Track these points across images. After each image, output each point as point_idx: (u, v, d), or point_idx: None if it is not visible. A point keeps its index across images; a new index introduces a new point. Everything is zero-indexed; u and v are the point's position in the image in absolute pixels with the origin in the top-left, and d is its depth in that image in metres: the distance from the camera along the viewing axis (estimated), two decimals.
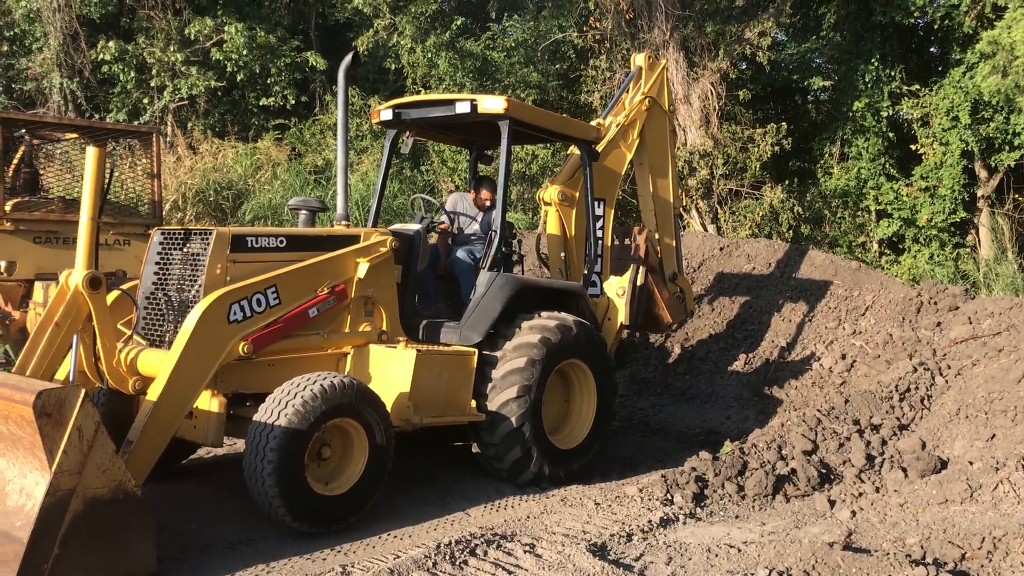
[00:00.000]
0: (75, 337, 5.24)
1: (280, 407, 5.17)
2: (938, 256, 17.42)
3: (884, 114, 18.61)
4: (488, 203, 7.93)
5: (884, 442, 7.25)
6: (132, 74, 17.75)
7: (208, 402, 5.44)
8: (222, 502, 5.94)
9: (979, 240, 18.88)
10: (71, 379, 5.26)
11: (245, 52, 17.66)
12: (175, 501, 5.88)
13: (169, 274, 5.77)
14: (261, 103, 18.37)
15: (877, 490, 6.50)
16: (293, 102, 18.36)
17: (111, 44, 17.39)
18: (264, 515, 5.26)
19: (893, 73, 18.63)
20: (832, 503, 6.32)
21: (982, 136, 17.54)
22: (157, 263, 5.85)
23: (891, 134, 19.00)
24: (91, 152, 5.16)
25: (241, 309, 5.48)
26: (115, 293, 5.75)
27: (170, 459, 5.90)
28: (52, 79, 17.40)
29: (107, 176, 5.50)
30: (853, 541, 5.45)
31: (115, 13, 18.27)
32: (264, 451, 5.09)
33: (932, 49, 21.05)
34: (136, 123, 16.80)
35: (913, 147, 18.54)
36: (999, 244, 17.36)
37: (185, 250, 5.73)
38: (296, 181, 15.39)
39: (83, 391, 4.24)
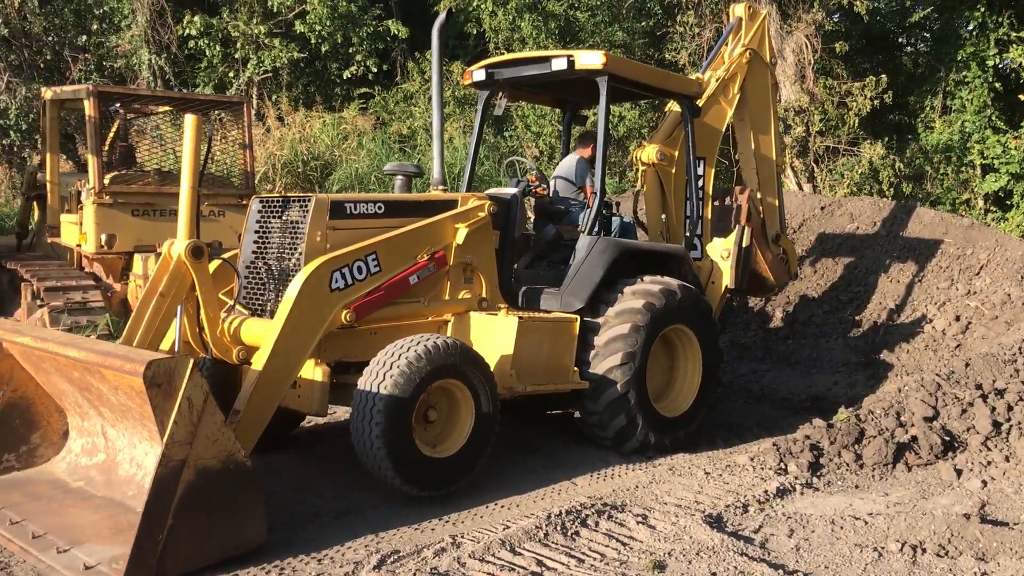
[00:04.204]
0: (179, 307, 5.22)
1: (386, 368, 5.07)
2: None
3: (990, 63, 17.60)
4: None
5: (1010, 407, 6.80)
6: (217, 48, 17.93)
7: (312, 371, 5.37)
8: (327, 472, 5.90)
9: None
10: (176, 349, 5.25)
11: (327, 23, 17.65)
12: (281, 471, 5.85)
13: (269, 243, 5.71)
14: (345, 76, 18.35)
15: (1007, 459, 6.11)
16: (375, 70, 18.30)
17: (196, 19, 17.56)
18: (373, 478, 5.19)
19: (1000, 19, 17.58)
20: (959, 472, 5.97)
21: None
22: (256, 232, 5.79)
23: (997, 84, 17.98)
24: (189, 120, 5.09)
25: (343, 276, 5.38)
26: (216, 262, 5.70)
27: (277, 430, 5.86)
28: (141, 56, 17.66)
29: (205, 146, 5.45)
30: (988, 513, 5.12)
31: None
32: (371, 413, 5.01)
33: None
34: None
35: (1022, 97, 17.53)
36: None
37: (284, 218, 5.65)
38: (382, 150, 15.34)
39: (192, 360, 4.17)
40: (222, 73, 18.20)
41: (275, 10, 17.87)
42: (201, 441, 4.23)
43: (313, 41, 17.96)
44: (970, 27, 17.81)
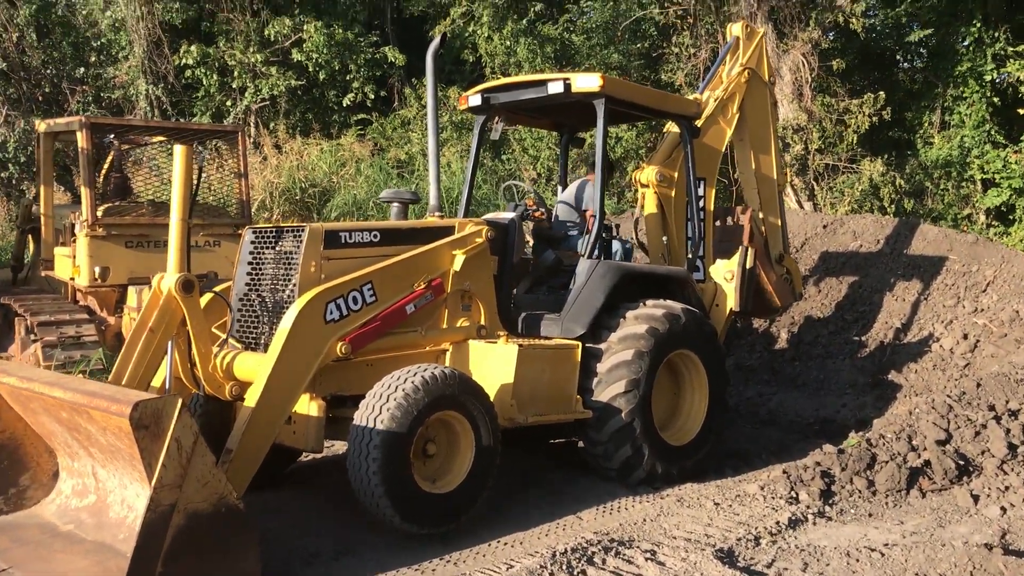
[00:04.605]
0: (170, 343, 5.08)
1: (382, 402, 4.93)
2: None
3: (988, 78, 17.55)
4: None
5: None
6: (214, 77, 17.89)
7: (307, 406, 5.24)
8: (324, 509, 5.73)
9: None
10: (167, 386, 5.10)
11: (324, 50, 17.63)
12: (278, 509, 5.68)
13: (262, 274, 5.58)
14: (344, 103, 18.32)
15: None
16: (372, 97, 18.26)
17: (193, 48, 17.54)
18: (371, 517, 5.02)
19: (997, 34, 17.55)
20: (976, 498, 5.80)
21: None
22: (250, 263, 5.66)
23: (996, 99, 17.92)
24: (178, 151, 4.99)
25: (337, 308, 5.25)
26: (208, 296, 5.58)
27: (273, 466, 5.71)
28: (138, 86, 17.63)
29: (195, 176, 5.33)
30: (1010, 542, 4.95)
31: (196, 18, 18.43)
32: (368, 449, 4.86)
33: None
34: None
35: (1021, 111, 17.46)
36: None
37: (277, 249, 5.53)
38: (380, 176, 15.26)
39: (180, 401, 4.03)
40: (219, 102, 18.15)
41: (272, 39, 17.85)
42: (191, 484, 4.09)
43: (310, 69, 17.94)
44: (966, 42, 17.79)
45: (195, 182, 5.39)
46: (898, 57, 20.43)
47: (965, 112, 17.83)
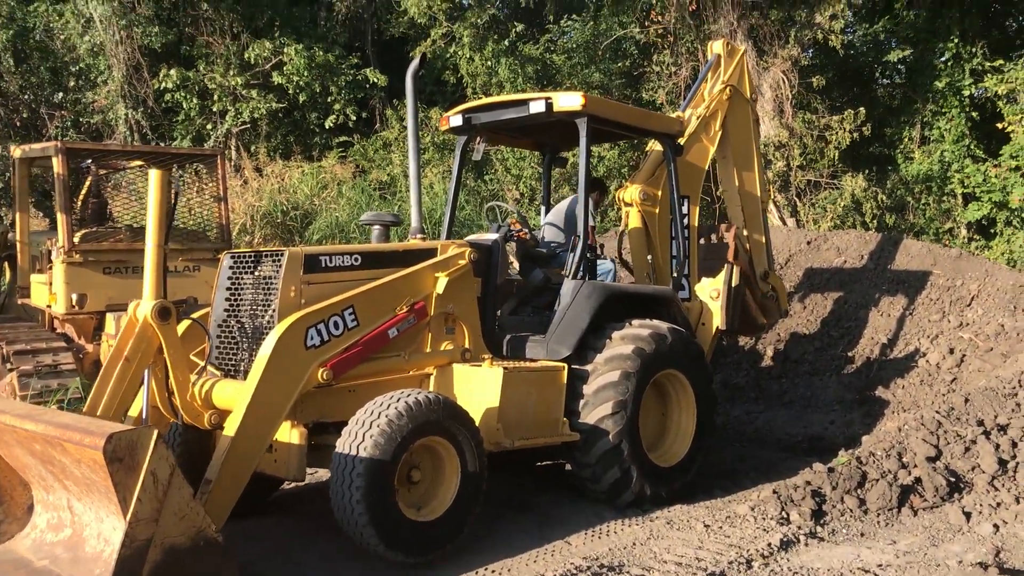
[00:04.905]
0: (147, 371, 4.98)
1: (365, 428, 4.83)
2: None
3: (966, 93, 17.67)
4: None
5: (1015, 444, 6.58)
6: (195, 101, 17.81)
7: (288, 434, 5.12)
8: (308, 538, 5.60)
9: None
10: (144, 416, 4.99)
11: (305, 73, 17.58)
12: (260, 537, 5.55)
13: (241, 299, 5.48)
14: (325, 125, 18.25)
15: (1017, 499, 5.88)
16: (354, 118, 18.22)
17: (172, 72, 17.46)
18: (355, 546, 4.91)
19: (974, 49, 17.68)
20: (968, 515, 5.73)
21: None
22: (228, 288, 5.56)
23: (974, 113, 18.04)
24: (153, 175, 4.89)
25: (318, 333, 5.15)
26: (186, 322, 5.47)
27: (255, 495, 5.59)
28: (117, 110, 17.53)
29: (172, 200, 5.24)
30: (1004, 561, 4.88)
31: (175, 41, 18.37)
32: (351, 477, 4.75)
33: (1012, 22, 20.04)
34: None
35: (1000, 125, 17.57)
36: None
37: (257, 274, 5.43)
38: (362, 198, 15.18)
39: (156, 432, 3.92)
40: (200, 125, 18.07)
41: (252, 62, 17.80)
42: (168, 518, 3.98)
43: (291, 91, 17.89)
44: (945, 58, 17.91)
45: (171, 206, 5.28)
46: (877, 74, 20.57)
47: (944, 127, 17.92)
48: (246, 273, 5.48)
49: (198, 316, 5.61)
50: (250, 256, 5.50)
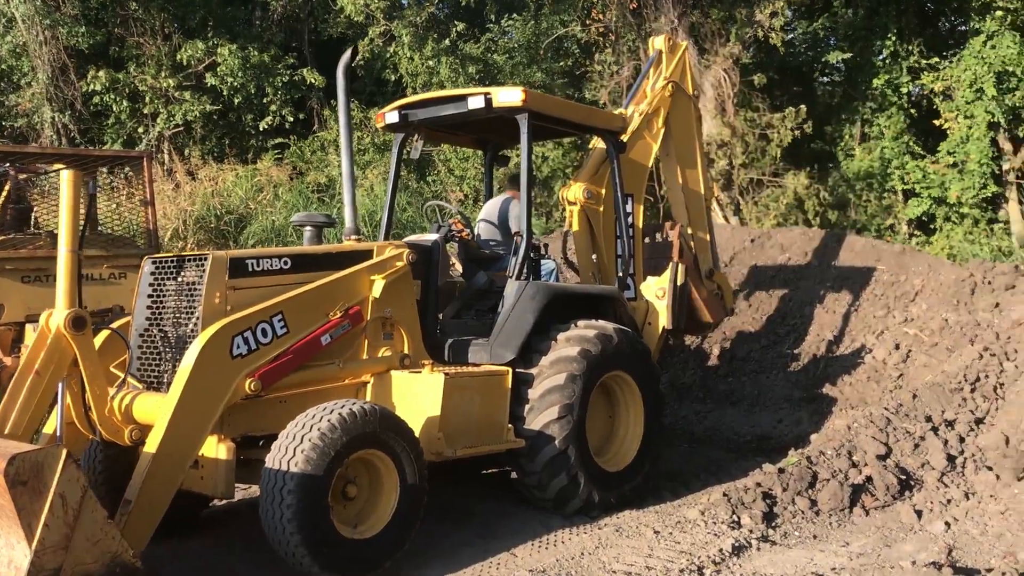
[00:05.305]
0: (60, 385, 4.65)
1: (296, 443, 4.55)
2: (973, 233, 16.68)
3: (904, 90, 17.93)
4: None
5: (962, 439, 6.56)
6: (125, 103, 17.21)
7: (215, 449, 4.83)
8: (239, 557, 5.30)
9: (1009, 215, 18.13)
10: (58, 434, 4.67)
11: (239, 74, 17.10)
12: (189, 557, 5.25)
13: (164, 307, 5.16)
14: (261, 127, 17.80)
15: (967, 496, 5.82)
16: (292, 120, 17.80)
17: (101, 74, 16.84)
18: (287, 567, 4.63)
19: (911, 48, 17.94)
20: (919, 513, 5.66)
21: (1008, 107, 16.82)
22: (150, 296, 5.24)
23: (912, 110, 18.31)
24: (65, 177, 4.56)
25: (245, 341, 4.86)
26: (105, 333, 5.14)
27: (183, 512, 5.28)
28: (43, 113, 16.86)
29: (86, 202, 4.91)
30: (957, 559, 4.78)
31: (104, 42, 17.74)
32: (282, 494, 4.47)
33: (944, 21, 20.39)
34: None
35: (937, 122, 17.84)
36: None
37: (180, 279, 5.12)
38: (299, 201, 14.78)
39: (64, 452, 3.62)
40: (131, 129, 17.46)
41: (184, 63, 17.27)
42: (79, 544, 3.69)
43: (225, 93, 17.39)
44: (883, 56, 18.13)
45: (87, 210, 4.96)
46: (817, 73, 20.77)
47: (884, 124, 18.15)
48: (168, 279, 5.17)
49: (118, 325, 5.29)
50: (172, 261, 5.19)
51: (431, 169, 17.24)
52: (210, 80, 17.19)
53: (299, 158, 17.35)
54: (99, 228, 9.30)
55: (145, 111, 17.32)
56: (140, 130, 17.45)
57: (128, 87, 17.23)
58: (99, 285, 8.39)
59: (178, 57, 17.23)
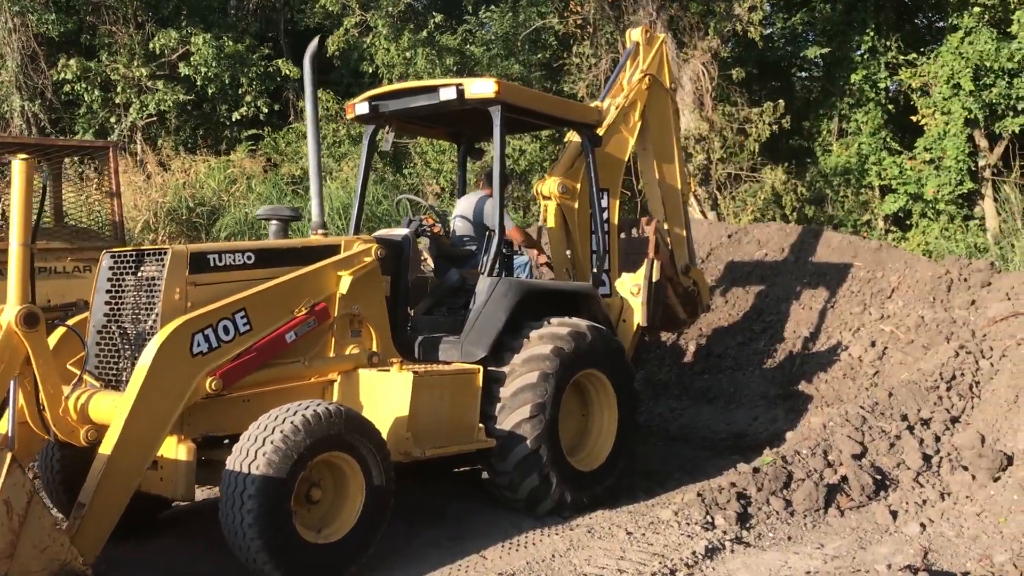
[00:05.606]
0: (12, 383, 4.47)
1: (257, 445, 4.41)
2: (949, 230, 16.69)
3: (882, 86, 17.91)
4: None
5: (938, 438, 6.51)
6: (96, 92, 16.95)
7: (175, 449, 4.69)
8: (200, 561, 5.16)
9: (985, 212, 18.16)
10: (10, 435, 4.49)
11: (213, 64, 16.86)
12: (151, 560, 5.12)
13: (122, 303, 5.00)
14: (235, 118, 17.54)
15: (943, 496, 5.75)
16: (266, 111, 17.57)
17: (72, 62, 16.58)
18: (248, 573, 4.49)
19: (889, 43, 17.92)
20: (895, 514, 5.59)
21: (985, 103, 16.83)
22: (108, 291, 5.07)
23: (890, 106, 18.30)
24: (16, 165, 4.38)
25: (206, 339, 4.71)
26: (60, 330, 4.98)
27: (143, 513, 5.13)
28: (12, 102, 16.59)
29: (41, 192, 4.74)
30: (932, 562, 4.72)
31: (75, 30, 17.45)
32: (243, 499, 4.33)
33: (922, 17, 20.41)
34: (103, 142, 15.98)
35: (914, 119, 17.83)
36: (1011, 215, 16.63)
37: (139, 274, 4.96)
38: (273, 193, 14.60)
39: (9, 456, 3.48)
40: (103, 119, 17.20)
41: (158, 52, 17.01)
42: (25, 551, 3.54)
43: (199, 83, 17.15)
44: (861, 51, 18.10)
45: (40, 201, 4.79)
46: (795, 68, 20.75)
47: (862, 120, 18.12)
48: (127, 274, 5.00)
49: (74, 322, 5.12)
50: (131, 255, 5.03)
51: (407, 162, 17.07)
52: (184, 70, 16.96)
53: (273, 150, 17.15)
54: (64, 220, 9.10)
55: (117, 100, 17.07)
56: (112, 120, 17.19)
57: (100, 76, 16.98)
58: (63, 279, 8.18)
59: (151, 46, 16.99)
